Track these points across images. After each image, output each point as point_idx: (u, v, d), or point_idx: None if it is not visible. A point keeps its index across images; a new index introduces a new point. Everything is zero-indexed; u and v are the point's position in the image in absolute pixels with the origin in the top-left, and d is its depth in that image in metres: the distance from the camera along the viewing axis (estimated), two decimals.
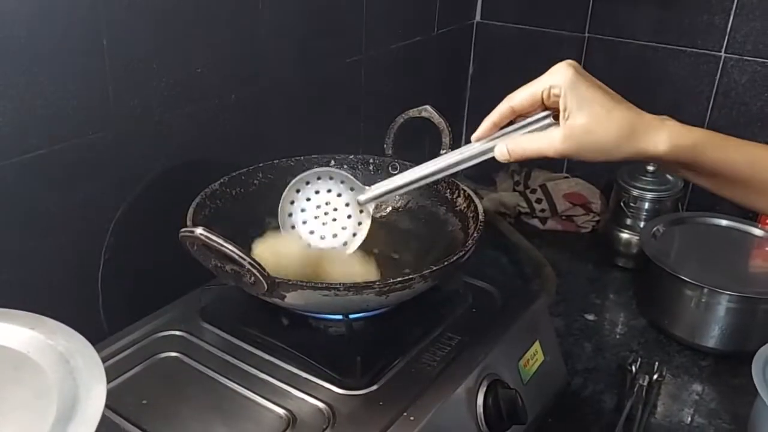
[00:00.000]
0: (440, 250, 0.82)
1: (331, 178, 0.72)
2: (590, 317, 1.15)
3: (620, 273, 1.29)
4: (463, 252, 0.70)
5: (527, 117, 0.63)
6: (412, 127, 0.92)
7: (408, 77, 1.34)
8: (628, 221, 1.27)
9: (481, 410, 0.72)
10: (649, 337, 1.10)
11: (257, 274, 0.61)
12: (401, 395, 0.69)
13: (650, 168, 1.25)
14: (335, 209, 0.72)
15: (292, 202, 0.73)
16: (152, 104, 0.84)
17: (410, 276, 0.66)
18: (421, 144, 1.01)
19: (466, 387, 0.72)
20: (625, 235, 1.28)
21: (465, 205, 0.82)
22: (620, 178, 1.27)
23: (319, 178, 0.71)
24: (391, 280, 0.65)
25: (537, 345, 0.83)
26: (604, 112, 0.58)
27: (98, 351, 0.72)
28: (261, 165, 0.88)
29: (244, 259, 0.60)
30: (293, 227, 0.72)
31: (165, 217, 0.76)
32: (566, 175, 1.48)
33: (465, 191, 0.83)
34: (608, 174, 1.39)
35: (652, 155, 0.59)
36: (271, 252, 0.79)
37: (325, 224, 0.72)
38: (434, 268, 0.67)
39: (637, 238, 1.25)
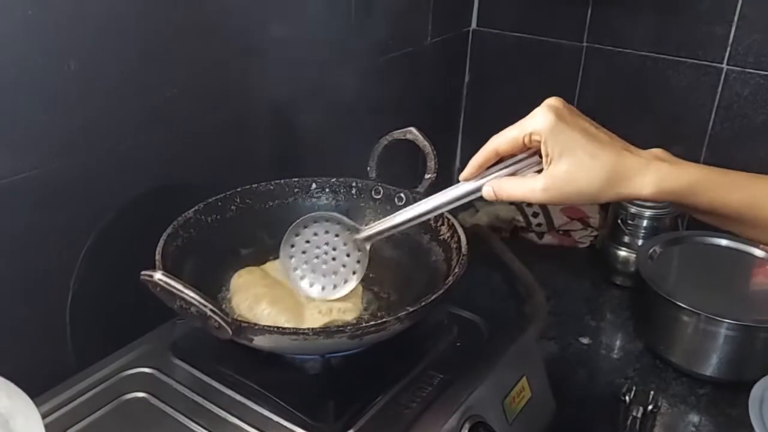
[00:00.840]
0: (422, 282, 0.79)
1: (327, 221, 0.75)
2: (585, 341, 1.11)
3: (618, 291, 1.25)
4: (443, 291, 0.66)
5: (515, 156, 0.63)
6: (403, 146, 0.88)
7: (399, 88, 1.31)
8: (626, 238, 1.23)
9: None
10: (644, 362, 1.07)
11: (220, 320, 0.58)
12: None
13: None
14: (334, 249, 0.75)
15: (293, 246, 0.75)
16: (123, 130, 0.80)
17: (384, 320, 0.62)
18: (413, 163, 0.97)
19: (447, 430, 0.69)
20: (622, 253, 1.24)
21: (449, 234, 0.79)
22: None
23: (315, 221, 0.75)
24: (364, 324, 0.61)
25: (524, 381, 0.79)
26: (586, 159, 0.57)
27: (62, 390, 0.72)
28: (239, 190, 0.85)
29: (206, 306, 0.57)
30: (295, 269, 0.75)
31: (137, 246, 0.72)
32: None
33: (449, 219, 0.79)
34: None
35: (638, 198, 0.58)
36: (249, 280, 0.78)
37: (325, 264, 0.75)
38: (410, 310, 0.64)
39: (635, 256, 1.21)
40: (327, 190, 0.89)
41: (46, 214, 0.75)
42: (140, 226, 0.80)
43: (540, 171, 0.60)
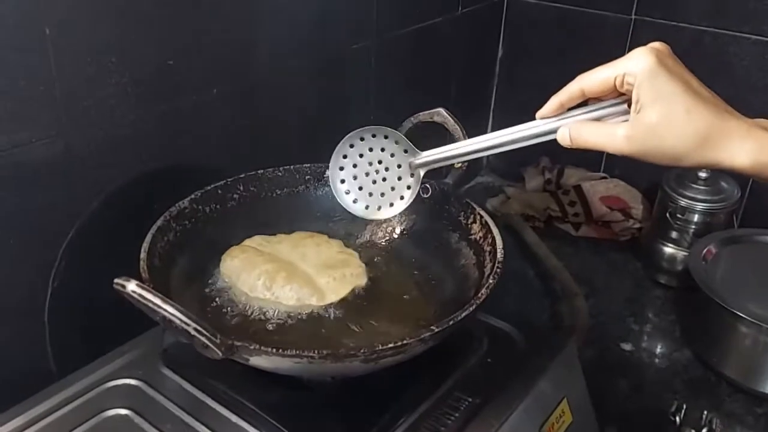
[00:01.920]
0: (449, 288, 0.68)
1: (386, 137, 0.68)
2: (627, 347, 1.01)
3: (662, 291, 1.14)
4: (474, 307, 0.56)
5: (602, 101, 0.57)
6: (428, 128, 0.77)
7: (427, 63, 1.19)
8: (674, 234, 1.11)
9: None
10: (694, 374, 0.96)
11: (206, 341, 0.48)
12: None
13: (702, 174, 1.09)
14: (387, 169, 0.69)
15: (345, 156, 0.69)
16: (111, 105, 0.71)
17: (404, 341, 0.52)
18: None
19: None
20: (669, 250, 1.12)
21: (481, 235, 0.68)
22: (666, 185, 1.11)
23: (374, 136, 0.68)
24: (380, 347, 0.51)
25: (564, 404, 0.69)
26: (680, 113, 0.50)
27: (35, 404, 0.63)
28: (242, 176, 0.75)
29: (188, 324, 0.47)
30: (343, 181, 0.69)
31: (126, 239, 0.63)
32: (604, 175, 1.33)
33: (482, 218, 0.69)
34: (652, 176, 1.23)
35: (729, 167, 0.52)
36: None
37: (375, 182, 0.69)
38: (435, 330, 0.53)
39: (683, 253, 1.10)
40: None
41: (20, 201, 0.66)
42: (130, 216, 0.71)
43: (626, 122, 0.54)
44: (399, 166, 0.68)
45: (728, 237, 1.02)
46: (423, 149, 0.68)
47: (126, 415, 0.62)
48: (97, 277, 0.72)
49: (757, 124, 0.51)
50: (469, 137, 0.72)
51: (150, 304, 0.47)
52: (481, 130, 1.49)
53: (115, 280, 0.48)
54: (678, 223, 1.09)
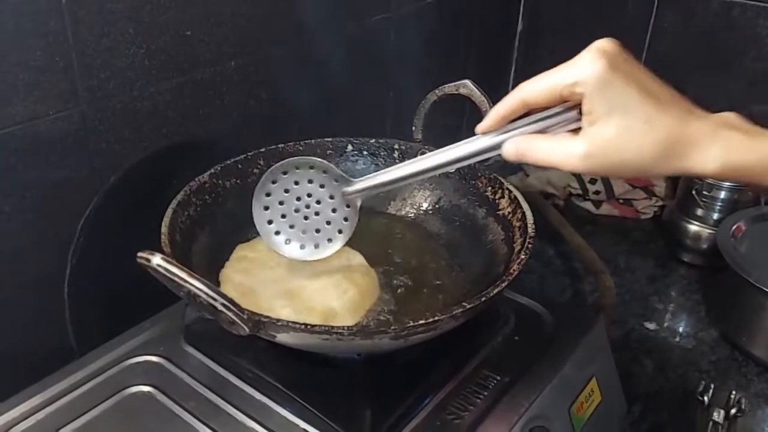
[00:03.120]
0: (478, 266, 0.67)
1: (311, 168, 0.61)
2: (651, 326, 0.99)
3: (686, 270, 1.12)
4: (506, 283, 0.54)
5: (548, 109, 0.50)
6: (449, 104, 0.75)
7: (444, 38, 1.16)
8: (699, 212, 1.09)
9: None
10: (721, 354, 0.94)
11: (233, 316, 0.47)
12: None
13: None
14: (318, 202, 0.62)
15: (268, 195, 0.62)
16: (129, 76, 0.69)
17: (436, 318, 0.50)
18: (457, 125, 0.84)
19: None
20: (694, 227, 1.10)
21: (510, 210, 0.66)
22: None
23: (297, 168, 0.61)
24: (411, 324, 0.50)
25: (593, 383, 0.68)
26: (639, 124, 0.45)
27: (56, 381, 0.62)
28: (262, 151, 0.73)
29: (216, 299, 0.46)
30: (270, 222, 0.62)
31: (145, 214, 0.62)
32: None
33: (511, 192, 0.67)
34: None
35: (700, 174, 0.47)
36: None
37: (307, 219, 0.62)
38: (467, 306, 0.52)
39: (709, 231, 1.07)
40: (365, 152, 0.77)
41: (38, 175, 0.65)
42: (149, 191, 0.69)
43: (576, 131, 0.48)
44: (332, 197, 0.62)
45: (758, 214, 1.00)
46: (434, 133, 0.64)
47: (149, 392, 0.61)
48: (116, 253, 0.70)
49: (723, 121, 0.46)
50: None
51: (176, 279, 0.45)
52: None
53: (139, 254, 0.46)
54: (704, 200, 1.07)
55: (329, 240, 0.63)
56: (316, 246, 0.63)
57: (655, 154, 0.46)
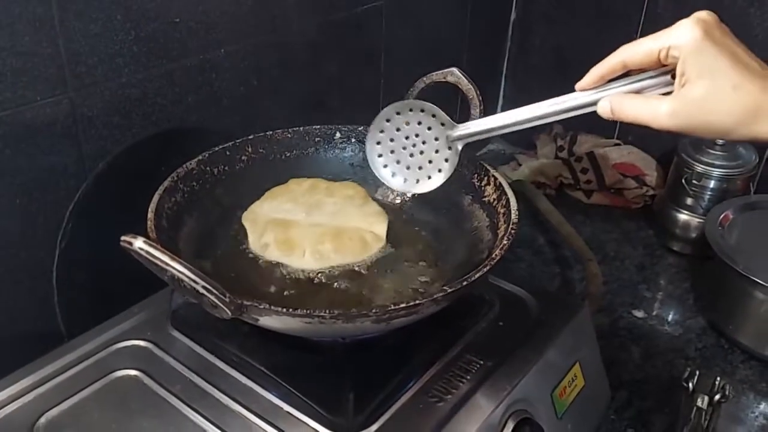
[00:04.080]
0: (462, 252, 0.67)
1: (422, 111, 0.66)
2: (639, 314, 1.00)
3: (675, 259, 1.12)
4: (488, 268, 0.55)
5: (644, 72, 0.54)
6: (439, 92, 0.76)
7: (438, 27, 1.16)
8: (689, 201, 1.09)
9: None
10: (708, 341, 0.95)
11: (215, 299, 0.47)
12: None
13: (719, 140, 1.06)
14: (424, 142, 0.66)
15: (382, 131, 0.67)
16: (117, 63, 0.69)
17: (417, 301, 0.51)
18: (450, 112, 0.84)
19: (488, 426, 0.58)
20: (683, 216, 1.10)
21: (495, 197, 0.66)
22: (683, 151, 1.08)
23: (411, 110, 0.66)
24: (392, 307, 0.50)
25: (576, 368, 0.68)
26: (727, 89, 0.49)
27: (44, 364, 0.62)
28: (251, 137, 0.74)
29: (197, 283, 0.46)
30: (380, 155, 0.68)
31: (133, 200, 0.62)
32: (618, 141, 1.30)
33: (496, 179, 0.67)
34: (667, 142, 1.20)
35: None
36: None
37: (412, 156, 0.67)
38: (448, 290, 0.52)
39: (698, 220, 1.08)
40: (353, 140, 0.77)
41: (27, 161, 0.65)
42: (137, 177, 0.69)
43: (668, 94, 0.52)
44: (436, 139, 0.66)
45: (745, 203, 1.01)
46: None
47: (135, 376, 0.62)
48: (104, 239, 0.71)
49: None
50: (481, 101, 0.71)
51: (158, 262, 0.46)
52: (493, 96, 1.47)
53: (122, 238, 0.47)
54: (693, 189, 1.07)
55: (429, 177, 0.67)
56: (417, 181, 0.67)
57: (738, 118, 0.49)
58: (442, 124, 0.65)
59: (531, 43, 1.38)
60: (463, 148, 0.65)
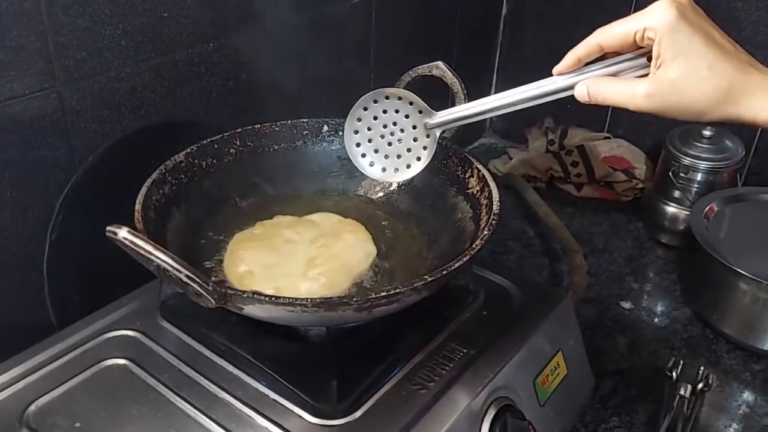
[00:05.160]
0: (445, 243, 0.68)
1: (399, 99, 0.67)
2: (626, 305, 1.01)
3: (663, 251, 1.13)
4: (468, 258, 0.56)
5: (621, 55, 0.55)
6: (429, 84, 0.77)
7: (429, 21, 1.17)
8: (677, 193, 1.10)
9: None
10: (693, 332, 0.96)
11: (198, 288, 0.48)
12: (387, 427, 0.56)
13: (707, 132, 1.07)
14: (402, 130, 0.67)
15: (359, 120, 0.68)
16: (106, 57, 0.70)
17: (397, 290, 0.52)
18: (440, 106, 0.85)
19: (469, 413, 0.59)
20: (671, 209, 1.12)
21: (478, 188, 0.67)
22: (670, 143, 1.09)
23: (387, 98, 0.67)
24: (373, 296, 0.51)
25: (559, 356, 0.70)
26: (702, 69, 0.49)
27: (35, 353, 0.63)
28: (239, 131, 0.75)
29: (180, 271, 0.47)
30: (358, 144, 0.68)
31: (123, 192, 0.63)
32: (608, 135, 1.31)
33: (479, 171, 0.68)
34: (656, 135, 1.21)
35: (751, 123, 0.51)
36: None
37: (390, 144, 0.68)
38: (428, 279, 0.53)
39: (686, 212, 1.09)
40: (340, 132, 0.77)
41: (17, 154, 0.66)
42: (127, 170, 0.70)
43: (645, 77, 0.53)
44: (414, 128, 0.67)
45: (731, 195, 1.02)
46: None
47: (124, 364, 0.63)
48: (94, 231, 0.72)
49: None
50: (470, 96, 0.72)
51: (142, 252, 0.47)
52: (484, 91, 1.48)
53: (108, 228, 0.48)
54: (681, 182, 1.08)
55: (408, 166, 0.68)
56: (396, 170, 0.68)
57: (712, 99, 0.50)
58: (420, 112, 0.66)
59: (522, 38, 1.39)
60: (440, 135, 0.66)
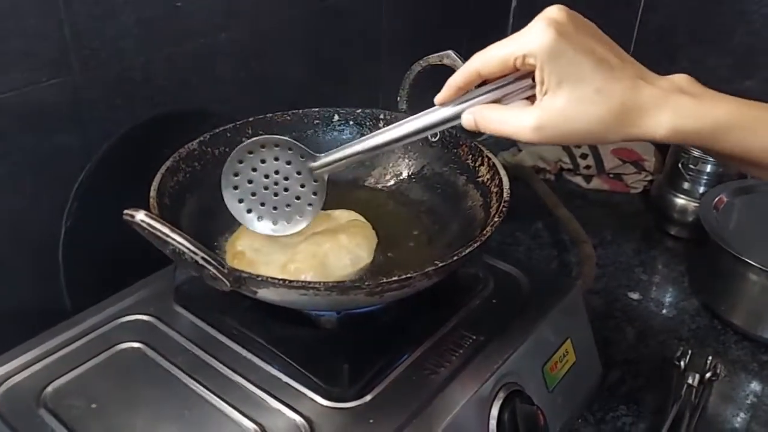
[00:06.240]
0: (456, 230, 0.69)
1: (276, 146, 0.62)
2: (634, 296, 1.01)
3: (672, 243, 1.14)
4: (479, 243, 0.56)
5: (505, 77, 0.51)
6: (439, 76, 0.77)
7: (438, 13, 1.17)
8: (686, 185, 1.10)
9: (494, 427, 0.60)
10: (701, 322, 0.96)
11: (214, 270, 0.49)
12: (397, 410, 0.57)
13: None
14: (286, 179, 0.63)
15: (236, 174, 0.63)
16: (121, 46, 0.71)
17: (408, 275, 0.53)
18: None
19: (478, 398, 0.60)
20: (680, 201, 1.12)
21: (488, 176, 0.68)
22: None
23: (263, 147, 0.62)
24: (385, 280, 0.52)
25: (568, 344, 0.70)
26: (590, 93, 0.46)
27: (51, 336, 0.65)
28: (251, 120, 0.75)
29: (197, 254, 0.48)
30: (241, 201, 0.64)
31: (137, 180, 0.64)
32: None
33: (490, 159, 0.69)
34: None
35: (650, 140, 0.47)
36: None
37: (276, 195, 0.64)
38: (439, 265, 0.54)
39: (695, 204, 1.09)
40: (351, 122, 0.79)
41: (34, 142, 0.67)
42: (141, 158, 0.71)
43: (532, 98, 0.49)
44: (299, 173, 0.63)
45: (740, 186, 1.02)
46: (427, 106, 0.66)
47: (139, 348, 0.64)
48: (109, 217, 0.73)
49: (673, 86, 0.47)
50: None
51: (159, 234, 0.48)
52: None
53: (125, 211, 0.49)
54: (690, 173, 1.08)
55: (299, 215, 0.64)
56: (288, 221, 0.64)
57: (605, 123, 0.46)
58: (302, 157, 0.62)
59: None
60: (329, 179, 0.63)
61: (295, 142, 0.63)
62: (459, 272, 0.71)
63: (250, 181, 0.63)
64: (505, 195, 0.63)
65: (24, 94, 0.65)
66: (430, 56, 0.75)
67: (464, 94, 0.52)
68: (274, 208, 0.64)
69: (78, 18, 0.66)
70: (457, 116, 0.53)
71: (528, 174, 1.23)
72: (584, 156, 1.27)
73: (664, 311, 0.99)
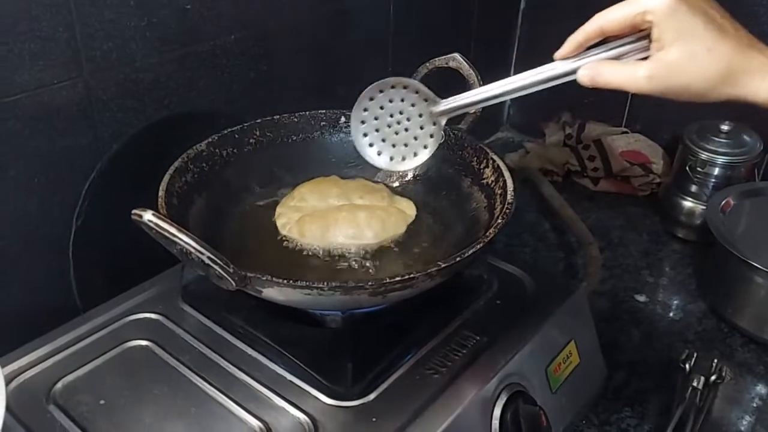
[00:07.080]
0: (460, 232, 0.69)
1: (405, 88, 0.66)
2: (641, 298, 1.01)
3: (679, 245, 1.13)
4: (482, 245, 0.57)
5: (622, 38, 0.55)
6: (447, 77, 0.78)
7: (446, 16, 1.18)
8: (694, 188, 1.10)
9: (497, 427, 0.61)
10: (708, 325, 0.96)
11: (220, 270, 0.50)
12: (400, 409, 0.58)
13: (724, 127, 1.07)
14: (408, 119, 0.67)
15: (365, 110, 0.67)
16: (131, 48, 0.72)
17: (411, 275, 0.53)
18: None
19: (481, 398, 0.61)
20: (688, 203, 1.11)
21: (493, 179, 0.69)
22: (688, 138, 1.09)
23: (393, 87, 0.66)
24: (387, 280, 0.53)
25: (572, 346, 0.70)
26: (701, 51, 0.50)
27: (61, 334, 0.66)
28: (259, 121, 0.76)
29: (203, 253, 0.49)
30: (365, 134, 0.68)
31: (146, 181, 0.65)
32: (625, 129, 1.31)
33: (494, 162, 0.69)
34: (674, 129, 1.21)
35: (753, 102, 0.52)
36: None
37: (397, 133, 0.68)
38: (442, 265, 0.55)
39: (702, 207, 1.09)
40: None
41: (46, 141, 0.68)
42: (150, 159, 0.72)
43: (647, 59, 0.53)
44: (420, 116, 0.67)
45: (748, 189, 1.02)
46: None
47: (147, 345, 0.65)
48: (119, 217, 0.74)
49: None
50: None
51: (166, 234, 0.49)
52: None
53: (134, 211, 0.50)
54: (698, 176, 1.08)
55: (415, 154, 0.68)
56: (403, 158, 0.68)
57: (713, 80, 0.50)
58: (426, 100, 0.66)
59: (540, 33, 1.39)
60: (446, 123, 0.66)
61: (421, 85, 0.66)
62: (463, 273, 0.71)
63: (376, 118, 0.67)
64: (509, 197, 0.63)
65: (36, 95, 0.66)
66: (436, 59, 0.75)
67: (583, 51, 0.55)
68: (393, 145, 0.68)
69: (89, 21, 0.67)
70: (573, 72, 0.56)
71: (535, 176, 1.23)
72: (592, 158, 1.27)
73: (670, 314, 0.98)
